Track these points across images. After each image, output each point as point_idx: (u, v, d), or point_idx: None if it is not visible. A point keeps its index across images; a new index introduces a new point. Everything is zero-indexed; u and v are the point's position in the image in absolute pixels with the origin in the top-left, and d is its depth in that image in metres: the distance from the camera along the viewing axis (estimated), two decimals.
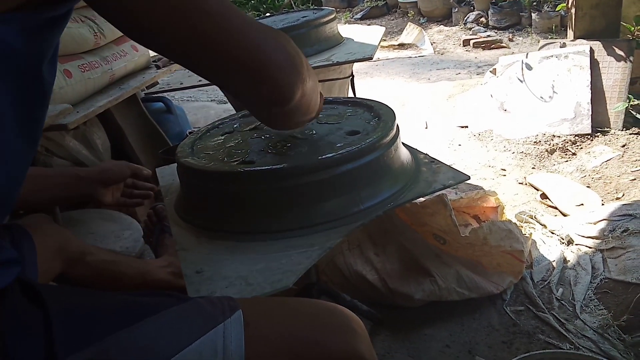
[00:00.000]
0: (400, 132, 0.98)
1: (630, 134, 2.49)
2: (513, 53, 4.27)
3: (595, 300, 1.49)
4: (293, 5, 7.17)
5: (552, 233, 1.82)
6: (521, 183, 2.27)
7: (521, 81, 2.82)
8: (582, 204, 1.98)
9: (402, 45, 5.43)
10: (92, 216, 1.57)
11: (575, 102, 2.61)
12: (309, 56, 1.83)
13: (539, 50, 2.93)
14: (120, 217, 1.58)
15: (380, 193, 0.88)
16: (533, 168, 2.39)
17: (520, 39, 5.11)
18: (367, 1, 7.34)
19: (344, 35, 2.09)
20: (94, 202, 1.17)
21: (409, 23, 6.09)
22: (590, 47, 2.67)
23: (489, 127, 2.80)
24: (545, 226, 1.86)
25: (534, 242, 1.76)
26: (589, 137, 2.54)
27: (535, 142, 2.57)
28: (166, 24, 0.59)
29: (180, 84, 1.95)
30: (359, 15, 7.06)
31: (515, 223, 1.57)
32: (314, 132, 0.99)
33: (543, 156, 2.47)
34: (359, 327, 0.75)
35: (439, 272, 1.49)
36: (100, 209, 1.61)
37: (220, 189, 0.87)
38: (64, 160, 1.76)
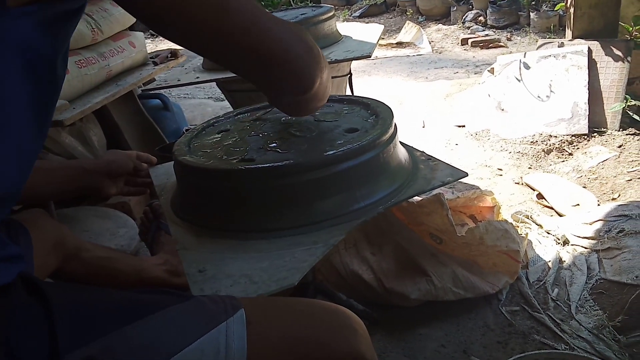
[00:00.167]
0: (398, 129, 0.98)
1: (627, 134, 2.49)
2: (511, 52, 4.27)
3: (591, 300, 1.49)
4: (291, 2, 7.16)
5: (548, 233, 1.82)
6: (517, 183, 2.27)
7: (519, 81, 2.82)
8: (578, 205, 1.98)
9: (400, 44, 5.43)
10: (87, 214, 1.56)
11: (573, 102, 2.61)
12: None
13: (537, 49, 2.93)
14: (115, 215, 1.57)
15: (379, 190, 0.88)
16: (530, 168, 2.39)
17: (519, 38, 5.11)
18: None
19: (342, 33, 2.09)
20: (98, 194, 1.16)
21: (407, 21, 6.08)
22: (589, 47, 2.67)
23: (486, 127, 2.80)
24: (541, 226, 1.87)
25: (530, 242, 1.76)
26: (585, 137, 2.54)
27: (532, 142, 2.57)
28: (195, 20, 0.62)
29: (178, 80, 1.95)
30: (357, 13, 7.06)
31: (511, 223, 1.57)
32: (312, 129, 0.99)
33: (540, 156, 2.47)
34: (360, 328, 0.75)
35: (435, 271, 1.49)
36: (95, 206, 1.60)
37: (221, 187, 0.87)
38: (59, 157, 1.76)
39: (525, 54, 2.89)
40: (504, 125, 2.74)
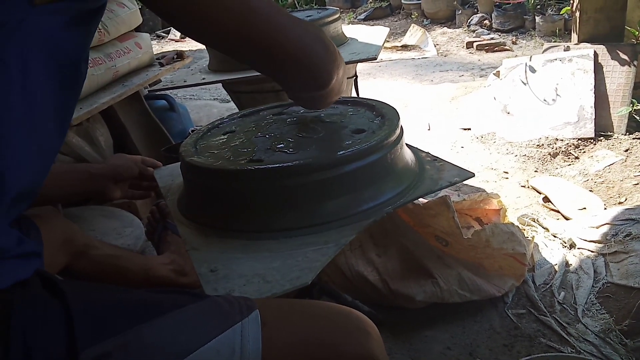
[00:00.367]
0: (404, 130, 0.99)
1: (633, 138, 2.48)
2: (516, 56, 4.27)
3: (597, 304, 1.49)
4: (296, 5, 7.17)
5: (555, 236, 1.81)
6: (524, 186, 2.27)
7: (525, 84, 2.82)
8: (585, 208, 1.97)
9: (405, 47, 5.43)
10: (93, 213, 1.56)
11: (579, 105, 2.60)
12: None
13: (542, 53, 2.93)
14: (121, 215, 1.57)
15: (387, 191, 0.89)
16: (536, 171, 2.39)
17: (524, 42, 5.10)
18: (370, 2, 7.33)
19: (348, 36, 2.09)
20: (104, 198, 1.17)
21: (412, 24, 6.08)
22: (594, 51, 2.67)
23: (492, 130, 2.79)
24: (547, 229, 1.86)
25: (536, 245, 1.75)
26: (592, 141, 2.53)
27: (538, 145, 2.57)
28: (213, 17, 0.64)
29: (184, 81, 1.95)
30: (362, 16, 7.06)
31: (517, 226, 1.57)
32: (319, 130, 0.99)
33: (546, 159, 2.47)
34: (373, 331, 0.75)
35: (441, 273, 1.49)
36: (101, 206, 1.61)
37: (230, 188, 0.87)
38: (66, 157, 1.76)
39: (531, 57, 2.89)
40: (510, 128, 2.74)
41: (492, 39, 5.19)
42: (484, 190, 2.13)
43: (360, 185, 0.86)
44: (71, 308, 0.61)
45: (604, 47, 2.66)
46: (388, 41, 5.46)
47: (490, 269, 1.53)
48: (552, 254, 1.72)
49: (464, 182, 2.26)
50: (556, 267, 1.65)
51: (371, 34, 2.13)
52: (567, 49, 2.81)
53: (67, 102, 0.65)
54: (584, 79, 2.64)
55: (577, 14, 2.83)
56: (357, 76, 2.07)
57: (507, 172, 2.40)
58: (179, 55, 2.20)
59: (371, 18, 7.03)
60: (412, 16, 6.63)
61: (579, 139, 2.54)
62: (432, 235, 1.53)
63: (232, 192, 0.87)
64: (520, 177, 2.35)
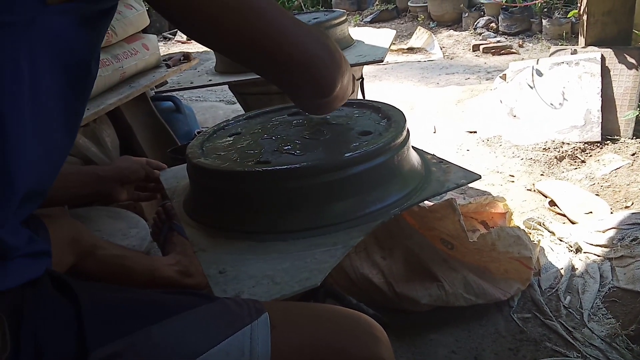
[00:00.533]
0: (410, 132, 0.99)
1: None
2: (523, 59, 4.25)
3: (603, 309, 1.48)
4: (303, 7, 7.18)
5: (561, 240, 1.81)
6: (530, 190, 2.26)
7: (531, 87, 2.81)
8: (591, 212, 1.97)
9: (411, 49, 5.43)
10: (99, 214, 1.57)
11: (586, 109, 2.59)
12: None
13: (549, 56, 2.92)
14: (127, 215, 1.58)
15: (395, 192, 0.89)
16: (542, 175, 2.38)
17: (531, 45, 5.09)
18: (377, 4, 7.33)
19: (354, 38, 2.09)
20: (110, 200, 1.18)
21: (418, 27, 6.08)
22: (602, 55, 2.66)
23: (498, 133, 2.79)
24: (553, 233, 1.85)
25: (542, 249, 1.74)
26: (598, 144, 2.52)
27: (544, 148, 2.56)
28: (222, 22, 0.63)
29: (190, 83, 1.96)
30: (368, 19, 7.06)
31: (523, 230, 1.56)
32: (325, 132, 0.99)
33: (552, 163, 2.46)
34: (381, 335, 0.75)
35: (446, 277, 1.49)
36: (107, 206, 1.61)
37: (237, 189, 0.87)
38: (72, 157, 1.77)
39: (538, 60, 2.88)
40: (516, 131, 2.73)
41: (498, 42, 5.17)
42: (490, 194, 2.13)
43: (367, 187, 0.86)
44: (81, 308, 0.61)
45: (611, 50, 2.65)
46: (394, 44, 5.46)
47: (496, 273, 1.53)
48: (558, 258, 1.71)
49: (470, 186, 2.26)
50: (562, 271, 1.64)
51: (378, 36, 2.13)
52: (574, 52, 2.80)
53: (76, 102, 0.65)
54: (591, 83, 2.63)
55: (585, 17, 2.82)
56: (363, 78, 2.07)
57: (513, 176, 2.39)
58: (186, 56, 2.20)
59: (377, 20, 7.02)
60: (419, 19, 6.62)
61: (585, 143, 2.54)
62: (437, 238, 1.53)
63: (239, 193, 0.87)
64: (526, 180, 2.34)
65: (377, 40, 2.05)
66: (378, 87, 4.25)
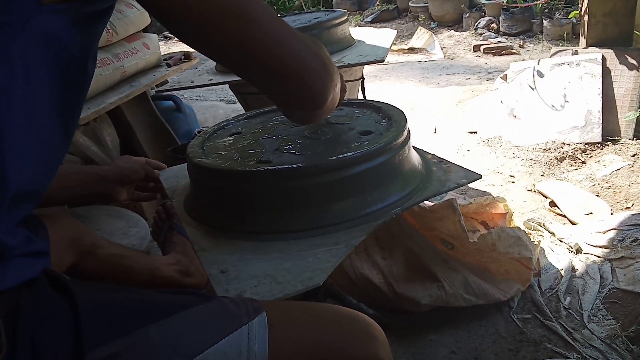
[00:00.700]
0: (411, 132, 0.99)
1: None
2: (524, 60, 4.25)
3: (603, 310, 1.48)
4: (304, 7, 7.18)
5: (561, 241, 1.81)
6: (530, 190, 2.26)
7: (532, 88, 2.81)
8: (591, 213, 1.96)
9: (412, 50, 5.43)
10: (99, 213, 1.56)
11: (586, 110, 2.59)
12: None
13: (550, 57, 2.92)
14: (127, 214, 1.57)
15: (395, 192, 0.89)
16: (542, 175, 2.38)
17: (531, 45, 5.08)
18: (377, 4, 7.33)
19: (355, 38, 2.09)
20: (110, 200, 1.18)
21: (419, 27, 6.07)
22: (603, 55, 2.66)
23: (499, 133, 2.78)
24: (553, 234, 1.85)
25: (542, 249, 1.74)
26: (599, 145, 2.52)
27: (544, 149, 2.56)
28: (212, 26, 0.62)
29: (191, 82, 1.96)
30: (369, 19, 7.05)
31: (523, 230, 1.56)
32: (326, 131, 0.99)
33: (552, 164, 2.46)
34: (379, 335, 0.75)
35: (446, 277, 1.48)
36: (109, 204, 1.61)
37: (239, 189, 0.87)
38: (73, 156, 1.77)
39: (539, 61, 2.88)
40: (517, 132, 2.73)
41: (499, 42, 5.17)
42: (490, 194, 2.12)
43: (368, 187, 0.86)
44: (79, 308, 0.61)
45: (612, 51, 2.65)
46: (395, 44, 5.46)
47: (496, 273, 1.53)
48: (558, 258, 1.71)
49: (470, 186, 2.26)
50: (562, 272, 1.64)
51: (378, 36, 2.13)
52: (575, 53, 2.80)
53: (72, 102, 0.64)
54: (592, 84, 2.63)
55: (586, 17, 2.82)
56: (364, 78, 2.07)
57: (513, 176, 2.39)
58: (186, 56, 2.20)
59: (378, 20, 7.02)
60: (419, 19, 6.62)
61: (586, 144, 2.53)
62: (438, 239, 1.53)
63: (241, 193, 0.87)
64: (526, 181, 2.34)
65: (378, 40, 2.05)
66: (379, 87, 4.25)
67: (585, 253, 1.72)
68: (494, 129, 2.83)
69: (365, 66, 2.00)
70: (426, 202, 1.54)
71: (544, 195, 2.18)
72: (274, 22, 0.65)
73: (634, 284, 1.52)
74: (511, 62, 3.24)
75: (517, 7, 5.43)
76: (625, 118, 2.54)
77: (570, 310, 1.49)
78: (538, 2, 5.19)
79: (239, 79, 1.83)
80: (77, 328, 0.59)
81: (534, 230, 1.88)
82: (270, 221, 0.85)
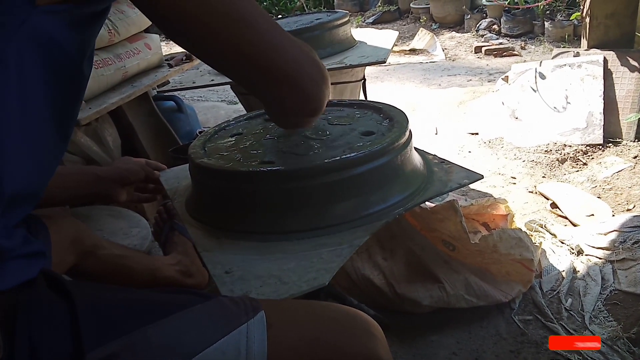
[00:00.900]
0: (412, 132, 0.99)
1: None
2: (525, 61, 4.25)
3: (605, 311, 1.48)
4: (305, 7, 7.18)
5: (562, 243, 1.80)
6: (531, 192, 2.26)
7: (533, 89, 2.81)
8: (593, 215, 1.96)
9: (413, 51, 5.42)
10: (101, 213, 1.56)
11: (588, 111, 2.59)
12: (322, 58, 1.83)
13: (552, 58, 2.91)
14: (128, 215, 1.57)
15: (397, 193, 0.89)
16: (543, 177, 2.37)
17: (533, 47, 5.08)
18: (379, 5, 7.33)
19: (357, 39, 2.09)
20: (110, 200, 1.18)
21: (420, 28, 6.07)
22: (604, 57, 2.65)
23: (500, 135, 2.78)
24: (555, 236, 1.85)
25: (544, 251, 1.74)
26: (600, 147, 2.52)
27: (546, 150, 2.55)
28: (213, 32, 0.62)
29: (192, 83, 1.96)
30: (371, 20, 7.05)
31: (525, 232, 1.56)
32: (328, 132, 0.99)
33: (554, 165, 2.46)
34: (378, 333, 0.75)
35: (448, 278, 1.48)
36: (108, 205, 1.61)
37: (242, 189, 0.87)
38: (74, 156, 1.77)
39: (540, 62, 2.88)
40: (518, 133, 2.73)
41: (500, 43, 5.17)
42: (492, 196, 2.12)
43: (370, 188, 0.86)
44: (77, 308, 0.60)
45: (613, 53, 2.65)
46: (396, 45, 5.46)
47: (498, 275, 1.53)
48: (560, 260, 1.71)
49: (472, 187, 2.25)
50: (563, 274, 1.64)
51: (380, 37, 2.13)
52: (577, 54, 2.80)
53: (68, 103, 0.64)
54: (593, 85, 2.63)
55: (587, 19, 2.82)
56: (365, 79, 2.07)
57: (514, 178, 2.39)
58: (188, 56, 2.20)
59: (379, 22, 7.02)
60: (421, 20, 6.62)
61: (587, 145, 2.53)
62: (439, 240, 1.53)
63: (244, 193, 0.87)
64: (527, 182, 2.34)
65: (379, 42, 2.05)
66: (380, 88, 4.25)
67: (586, 255, 1.72)
68: (495, 130, 2.83)
69: (367, 67, 2.00)
70: (427, 203, 1.55)
71: (545, 197, 2.18)
72: (271, 27, 0.65)
73: (635, 286, 1.52)
74: (512, 63, 3.24)
75: (519, 8, 5.42)
76: (626, 120, 2.54)
77: (571, 312, 1.49)
78: (539, 4, 5.19)
79: None
80: (76, 329, 0.59)
81: (535, 231, 1.88)
82: (273, 221, 0.85)
